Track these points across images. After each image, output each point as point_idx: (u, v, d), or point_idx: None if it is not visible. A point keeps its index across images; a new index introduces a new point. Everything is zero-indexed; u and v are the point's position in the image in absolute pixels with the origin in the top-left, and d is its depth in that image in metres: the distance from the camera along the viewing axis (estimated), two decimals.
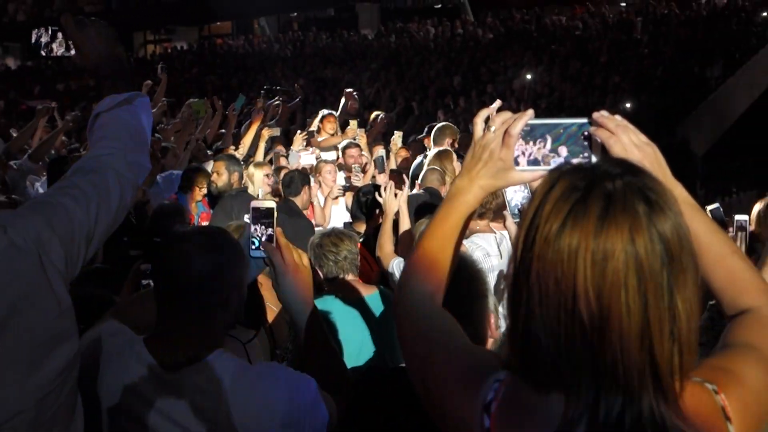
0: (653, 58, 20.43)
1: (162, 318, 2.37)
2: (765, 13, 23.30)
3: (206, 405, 2.22)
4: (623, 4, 28.12)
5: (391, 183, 5.45)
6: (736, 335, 1.58)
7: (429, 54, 25.90)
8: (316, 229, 6.82)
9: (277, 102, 12.73)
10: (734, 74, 21.09)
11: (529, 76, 21.03)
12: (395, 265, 4.77)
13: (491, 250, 4.87)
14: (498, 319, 2.76)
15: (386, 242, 5.01)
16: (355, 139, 10.00)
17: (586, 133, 1.70)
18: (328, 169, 8.38)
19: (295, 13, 40.94)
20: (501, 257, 4.86)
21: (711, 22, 22.51)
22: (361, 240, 5.53)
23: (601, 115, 1.67)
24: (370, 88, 22.37)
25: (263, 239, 2.49)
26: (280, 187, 7.60)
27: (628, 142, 1.63)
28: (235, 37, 37.76)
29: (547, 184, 1.40)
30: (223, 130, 11.24)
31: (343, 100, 12.36)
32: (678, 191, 1.64)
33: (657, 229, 1.31)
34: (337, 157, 9.82)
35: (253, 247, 2.49)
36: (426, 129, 10.26)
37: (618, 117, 1.67)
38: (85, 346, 2.35)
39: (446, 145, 8.60)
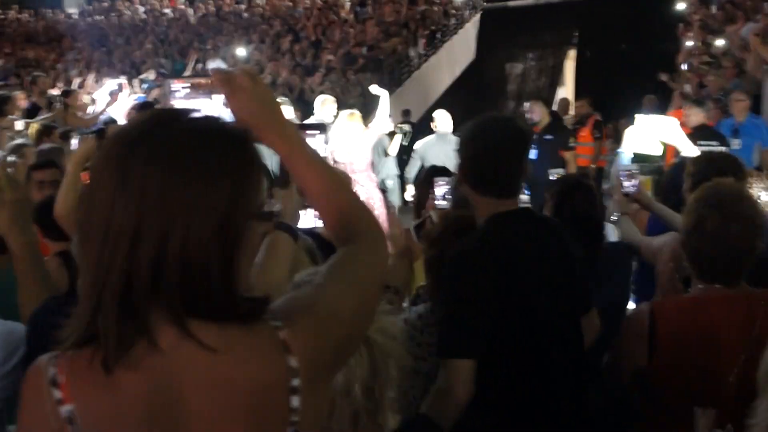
0: (360, 37, 20.97)
1: None
2: None
3: None
4: None
5: None
6: (328, 269, 1.63)
7: (138, 33, 25.22)
8: None
9: None
10: (436, 53, 22.15)
11: (240, 55, 20.97)
12: None
13: None
14: None
15: None
16: None
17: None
18: None
19: None
20: None
21: (413, 3, 23.42)
22: None
23: (215, 72, 1.72)
24: (75, 69, 21.52)
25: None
26: None
27: (230, 91, 1.67)
28: None
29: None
30: None
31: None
32: (287, 132, 1.71)
33: (146, 167, 1.37)
34: None
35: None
36: None
37: (240, 68, 1.72)
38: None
39: None
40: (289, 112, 11.50)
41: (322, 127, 2.60)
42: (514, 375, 2.89)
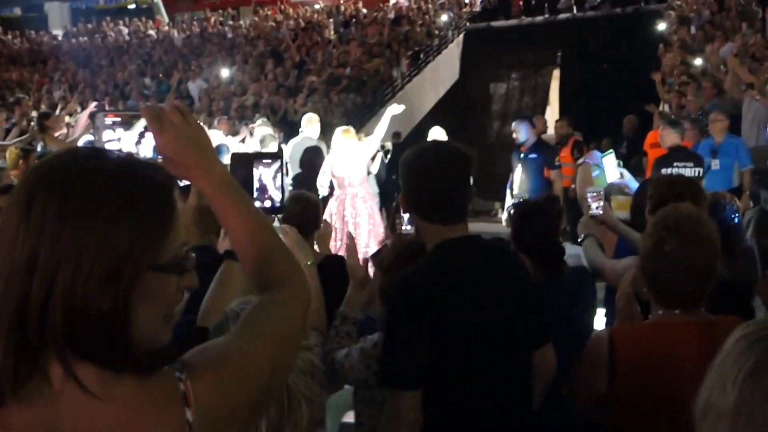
0: (343, 58, 21.03)
1: None
2: (445, 17, 24.73)
3: None
4: (317, 6, 28.75)
5: None
6: (245, 319, 1.60)
7: (122, 55, 25.24)
8: None
9: None
10: (420, 73, 22.21)
11: (224, 76, 21.03)
12: None
13: None
14: None
15: None
16: None
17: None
18: None
19: None
20: None
21: (397, 23, 23.53)
22: None
23: (144, 107, 1.71)
24: (59, 90, 21.51)
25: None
26: None
27: (157, 128, 1.66)
28: None
29: None
30: None
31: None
32: (214, 172, 1.69)
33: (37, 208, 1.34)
34: None
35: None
36: None
37: (169, 104, 1.70)
38: None
39: None
40: (267, 131, 11.63)
41: (275, 156, 2.57)
42: (459, 404, 2.83)
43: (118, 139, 1.87)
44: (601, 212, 4.60)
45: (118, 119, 1.85)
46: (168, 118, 1.66)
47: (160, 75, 22.70)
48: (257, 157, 2.46)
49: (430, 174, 2.90)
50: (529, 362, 3.01)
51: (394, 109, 10.45)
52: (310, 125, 11.52)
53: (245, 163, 2.44)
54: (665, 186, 4.08)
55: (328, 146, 10.97)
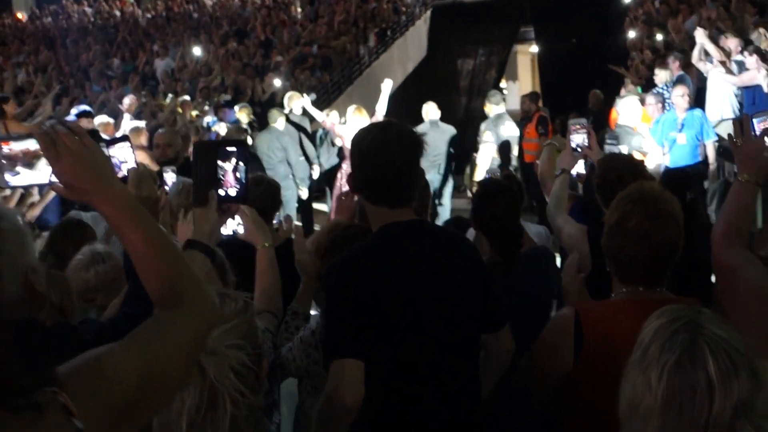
0: (309, 36, 20.88)
1: None
2: None
3: None
4: None
5: None
6: (133, 331, 1.61)
7: (87, 36, 24.95)
8: None
9: None
10: (388, 50, 22.10)
11: (190, 56, 20.83)
12: None
13: None
14: None
15: None
16: None
17: None
18: None
19: None
20: None
21: (364, 1, 23.36)
22: None
23: (38, 133, 1.67)
24: (23, 73, 21.23)
25: None
26: None
27: (53, 155, 1.64)
28: None
29: None
30: None
31: None
32: (114, 194, 1.69)
33: None
34: None
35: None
36: None
37: (64, 128, 1.66)
38: None
39: None
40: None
41: (239, 143, 2.51)
42: (399, 387, 2.78)
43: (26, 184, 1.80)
44: (584, 143, 4.47)
45: (12, 150, 1.75)
46: (63, 143, 1.63)
47: (127, 55, 22.46)
48: (221, 145, 2.44)
49: (376, 154, 2.83)
50: (475, 348, 2.96)
51: (386, 84, 10.96)
52: (291, 103, 12.41)
53: (208, 151, 2.43)
54: (607, 167, 4.06)
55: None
